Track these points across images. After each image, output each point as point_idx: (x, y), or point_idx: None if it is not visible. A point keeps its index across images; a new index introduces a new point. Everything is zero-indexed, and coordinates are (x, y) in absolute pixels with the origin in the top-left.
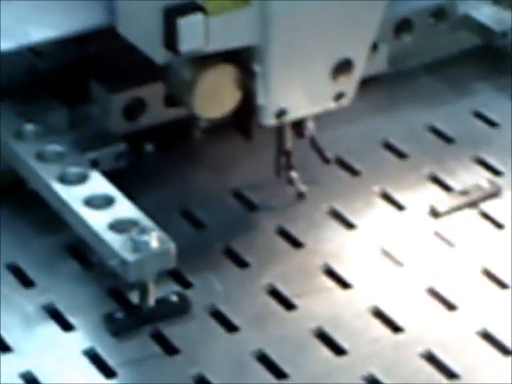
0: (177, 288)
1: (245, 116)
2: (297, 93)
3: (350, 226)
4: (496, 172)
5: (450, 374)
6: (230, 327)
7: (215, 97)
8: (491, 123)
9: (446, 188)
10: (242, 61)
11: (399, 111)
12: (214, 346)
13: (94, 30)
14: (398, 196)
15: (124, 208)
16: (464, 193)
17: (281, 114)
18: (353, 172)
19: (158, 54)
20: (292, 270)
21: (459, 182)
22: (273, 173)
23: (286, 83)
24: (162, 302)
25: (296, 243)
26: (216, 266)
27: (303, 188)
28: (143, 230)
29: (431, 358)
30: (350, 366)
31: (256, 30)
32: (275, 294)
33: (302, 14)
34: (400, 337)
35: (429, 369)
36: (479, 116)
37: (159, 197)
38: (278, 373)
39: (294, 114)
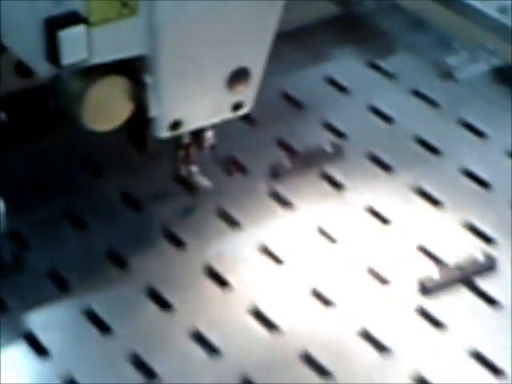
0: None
1: (139, 128)
2: (192, 104)
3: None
4: (341, 135)
5: None
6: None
7: (106, 109)
8: (342, 88)
9: (290, 151)
10: (134, 71)
11: None
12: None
13: None
14: (242, 159)
15: None
16: (306, 155)
17: (176, 125)
18: None
19: (42, 67)
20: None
21: (304, 145)
22: (122, 138)
23: (179, 94)
24: None
25: (136, 206)
26: (56, 229)
27: (205, 183)
28: None
29: None
30: None
31: (144, 39)
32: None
33: (191, 23)
34: None
35: None
36: (331, 81)
37: (8, 165)
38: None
39: (190, 126)
